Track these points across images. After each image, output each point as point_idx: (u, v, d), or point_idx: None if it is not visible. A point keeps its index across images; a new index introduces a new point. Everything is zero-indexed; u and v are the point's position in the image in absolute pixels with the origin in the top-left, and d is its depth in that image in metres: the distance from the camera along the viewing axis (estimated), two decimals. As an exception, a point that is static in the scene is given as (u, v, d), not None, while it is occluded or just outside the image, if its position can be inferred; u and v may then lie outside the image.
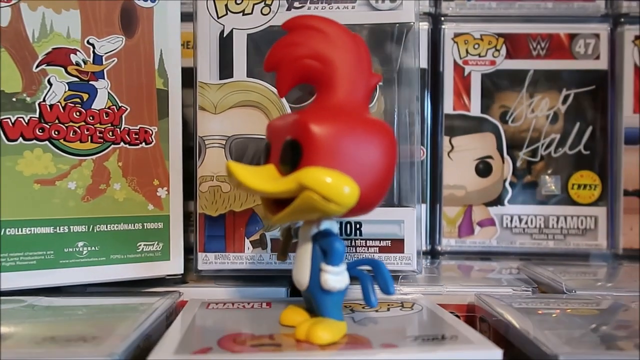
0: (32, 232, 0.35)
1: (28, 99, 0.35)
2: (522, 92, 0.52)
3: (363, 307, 0.33)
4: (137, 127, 0.38)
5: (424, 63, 0.51)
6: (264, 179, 0.27)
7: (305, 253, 0.29)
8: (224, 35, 0.39)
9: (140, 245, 0.38)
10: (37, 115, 0.35)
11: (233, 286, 0.39)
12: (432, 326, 0.30)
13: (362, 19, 0.39)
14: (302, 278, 0.29)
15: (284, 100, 0.39)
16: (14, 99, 0.34)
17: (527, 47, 0.52)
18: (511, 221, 0.52)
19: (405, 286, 0.39)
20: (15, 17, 0.34)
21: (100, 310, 0.33)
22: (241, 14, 0.39)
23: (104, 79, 0.37)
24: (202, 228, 0.39)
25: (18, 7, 0.34)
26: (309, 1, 0.39)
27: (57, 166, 0.35)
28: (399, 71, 0.41)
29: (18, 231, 0.34)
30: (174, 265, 0.39)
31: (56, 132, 0.35)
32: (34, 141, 0.35)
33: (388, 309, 0.33)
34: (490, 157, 0.53)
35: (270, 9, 0.39)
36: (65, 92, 0.36)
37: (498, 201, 0.52)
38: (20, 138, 0.34)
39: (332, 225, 0.29)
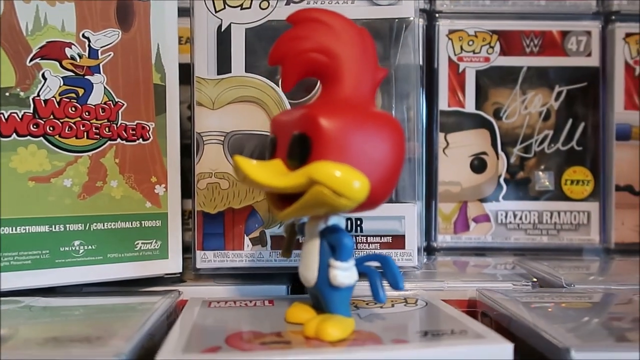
0: (27, 231, 0.34)
1: (22, 93, 0.34)
2: (515, 89, 0.53)
3: (367, 304, 0.33)
4: (134, 123, 0.37)
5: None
6: (273, 174, 0.27)
7: (312, 249, 0.28)
8: (222, 30, 0.39)
9: (138, 243, 0.37)
10: (31, 110, 0.34)
11: (233, 284, 0.38)
12: (439, 321, 0.30)
13: (362, 14, 0.39)
14: (310, 274, 0.28)
15: (282, 95, 0.39)
16: (7, 94, 0.33)
17: (521, 44, 0.53)
18: (506, 217, 0.52)
19: (405, 282, 0.38)
20: (8, 9, 0.33)
21: (101, 310, 0.32)
22: (239, 8, 0.39)
23: (99, 73, 0.36)
24: (200, 226, 0.39)
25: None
26: (308, -5, 0.39)
27: (52, 163, 0.34)
28: (396, 67, 0.41)
29: (12, 230, 0.33)
30: (173, 263, 0.38)
31: (51, 128, 0.34)
32: (28, 137, 0.34)
33: (392, 305, 0.33)
34: (485, 153, 0.53)
35: (268, 3, 0.39)
36: (60, 86, 0.35)
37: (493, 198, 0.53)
38: (14, 134, 0.33)
39: (340, 221, 0.29)
